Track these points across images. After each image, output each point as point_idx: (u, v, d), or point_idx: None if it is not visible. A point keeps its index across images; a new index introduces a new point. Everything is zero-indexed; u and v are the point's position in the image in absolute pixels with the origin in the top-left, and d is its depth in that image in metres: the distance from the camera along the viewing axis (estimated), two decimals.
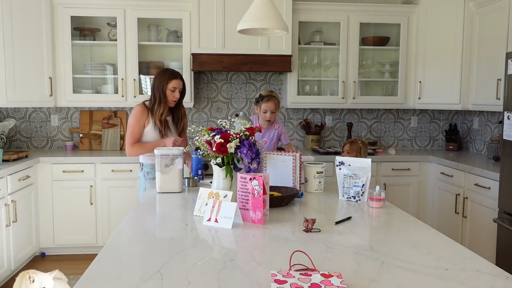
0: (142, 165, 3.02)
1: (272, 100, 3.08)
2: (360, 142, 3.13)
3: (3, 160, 3.60)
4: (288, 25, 4.07)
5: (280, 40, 4.13)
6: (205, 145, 2.12)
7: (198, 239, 1.71)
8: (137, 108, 2.96)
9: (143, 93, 4.33)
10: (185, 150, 2.54)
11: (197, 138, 2.19)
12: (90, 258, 1.75)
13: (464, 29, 4.10)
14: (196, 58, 4.10)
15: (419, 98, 4.40)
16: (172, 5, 4.16)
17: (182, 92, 3.00)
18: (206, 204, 1.92)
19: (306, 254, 1.40)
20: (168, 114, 3.02)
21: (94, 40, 4.33)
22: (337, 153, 4.17)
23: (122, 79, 4.20)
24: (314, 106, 4.54)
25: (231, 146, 2.02)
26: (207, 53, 4.09)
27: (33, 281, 2.06)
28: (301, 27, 4.38)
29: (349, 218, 1.98)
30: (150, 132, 2.95)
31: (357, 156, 3.05)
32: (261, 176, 1.86)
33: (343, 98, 4.41)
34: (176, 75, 2.95)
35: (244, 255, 1.54)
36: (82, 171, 3.96)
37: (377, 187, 2.23)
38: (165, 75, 2.93)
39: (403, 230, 1.86)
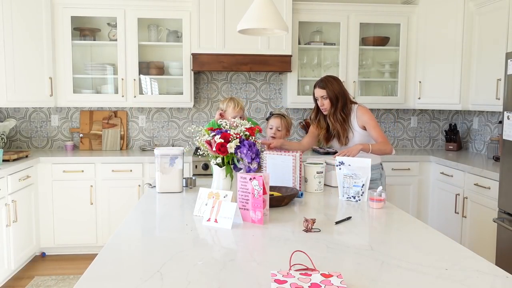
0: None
1: (279, 117, 3.15)
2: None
3: (3, 160, 3.60)
4: (288, 25, 4.07)
5: (280, 40, 4.13)
6: (205, 145, 2.12)
7: (198, 239, 1.71)
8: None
9: (143, 93, 4.33)
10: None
11: (197, 138, 2.19)
12: (90, 258, 1.75)
13: (464, 29, 4.10)
14: (196, 58, 4.10)
15: (419, 98, 4.40)
16: (172, 5, 4.16)
17: (331, 100, 2.84)
18: (206, 204, 1.92)
19: (306, 254, 1.41)
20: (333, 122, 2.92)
21: (94, 40, 4.33)
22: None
23: (122, 79, 4.20)
24: None
25: (231, 146, 2.03)
26: (207, 53, 4.09)
27: None
28: (301, 27, 4.38)
29: (349, 218, 1.98)
30: None
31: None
32: (261, 176, 1.86)
33: None
34: (316, 84, 2.90)
35: (244, 255, 1.54)
36: (82, 171, 3.96)
37: (379, 188, 2.23)
38: None
39: (403, 230, 1.86)
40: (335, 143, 2.98)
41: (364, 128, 2.86)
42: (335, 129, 2.87)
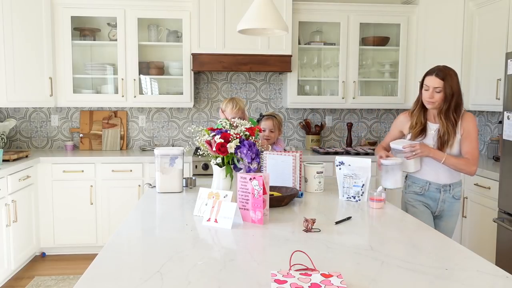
0: None
1: (270, 119, 3.13)
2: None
3: (3, 160, 3.60)
4: (288, 25, 4.07)
5: (280, 40, 4.13)
6: (205, 145, 2.12)
7: (198, 239, 1.71)
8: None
9: (143, 93, 4.33)
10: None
11: (197, 138, 2.19)
12: (90, 258, 1.75)
13: (464, 29, 4.10)
14: (196, 58, 4.10)
15: None
16: (172, 5, 4.16)
17: (447, 95, 2.44)
18: (206, 204, 1.92)
19: (306, 254, 1.41)
20: (433, 120, 2.55)
21: (94, 40, 4.33)
22: (337, 153, 4.18)
23: (122, 79, 4.20)
24: (314, 106, 4.54)
25: (231, 146, 2.02)
26: (207, 53, 4.09)
27: None
28: (301, 27, 4.38)
29: (349, 218, 1.98)
30: None
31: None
32: (261, 176, 1.86)
33: (343, 98, 4.41)
34: (432, 72, 2.49)
35: (244, 255, 1.54)
36: (82, 171, 3.96)
37: (380, 188, 2.23)
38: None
39: (403, 230, 1.86)
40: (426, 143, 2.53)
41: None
42: (445, 131, 2.45)
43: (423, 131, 2.54)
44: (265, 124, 3.12)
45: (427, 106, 2.50)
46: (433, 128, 2.53)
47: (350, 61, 4.39)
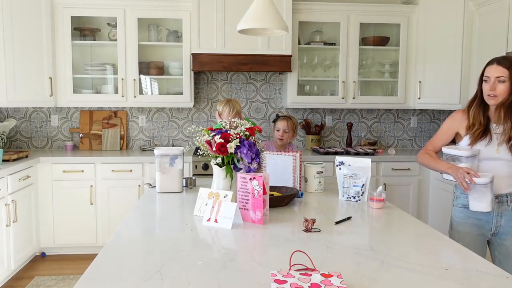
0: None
1: (285, 119, 3.31)
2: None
3: (3, 160, 3.60)
4: (288, 25, 4.07)
5: (280, 40, 4.13)
6: (205, 145, 2.12)
7: (198, 239, 1.71)
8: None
9: (143, 93, 4.34)
10: None
11: (197, 138, 2.19)
12: (90, 258, 1.75)
13: (464, 29, 4.10)
14: (196, 58, 4.10)
15: (419, 98, 4.40)
16: (172, 5, 4.16)
17: None
18: (206, 204, 1.92)
19: (306, 254, 1.41)
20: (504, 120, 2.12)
21: (94, 40, 4.33)
22: (337, 153, 4.18)
23: (122, 79, 4.20)
24: (314, 106, 4.54)
25: (231, 146, 2.02)
26: (207, 53, 4.09)
27: None
28: (301, 27, 4.38)
29: (349, 218, 1.98)
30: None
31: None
32: (261, 176, 1.86)
33: (343, 98, 4.41)
34: (495, 60, 2.13)
35: (244, 255, 1.54)
36: (82, 171, 3.96)
37: (380, 188, 2.23)
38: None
39: (403, 230, 1.86)
40: (489, 148, 2.15)
41: None
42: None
43: (485, 133, 2.15)
44: (279, 124, 3.32)
45: (489, 102, 2.14)
46: (498, 130, 2.14)
47: (350, 61, 4.39)
